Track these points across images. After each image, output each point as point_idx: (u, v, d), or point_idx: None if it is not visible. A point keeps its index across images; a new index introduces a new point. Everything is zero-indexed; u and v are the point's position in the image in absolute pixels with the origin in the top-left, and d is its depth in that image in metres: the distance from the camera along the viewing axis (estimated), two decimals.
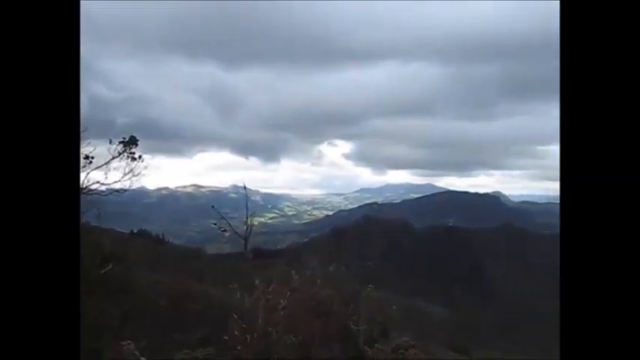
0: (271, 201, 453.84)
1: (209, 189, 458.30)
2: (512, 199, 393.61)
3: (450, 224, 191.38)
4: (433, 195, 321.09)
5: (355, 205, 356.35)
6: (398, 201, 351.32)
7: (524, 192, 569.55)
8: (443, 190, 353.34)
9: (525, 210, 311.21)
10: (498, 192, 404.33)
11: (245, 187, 11.28)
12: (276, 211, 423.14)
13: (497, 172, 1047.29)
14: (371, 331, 13.62)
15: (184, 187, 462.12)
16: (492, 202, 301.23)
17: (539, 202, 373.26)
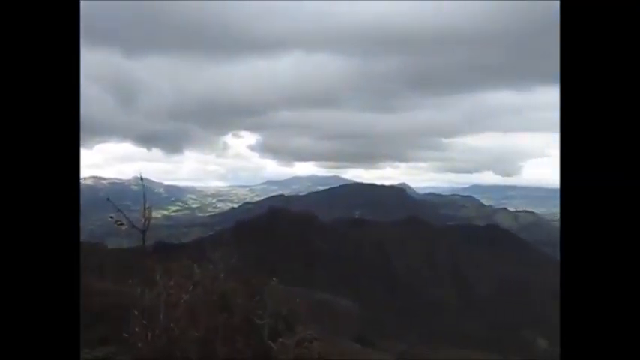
0: (175, 193, 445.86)
1: (110, 181, 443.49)
2: (417, 191, 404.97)
3: (357, 216, 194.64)
4: (340, 187, 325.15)
5: (261, 198, 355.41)
6: (304, 193, 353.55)
7: (430, 184, 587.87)
8: (349, 183, 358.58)
9: (431, 202, 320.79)
10: (404, 184, 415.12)
11: (142, 179, 11.09)
12: (180, 204, 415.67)
13: (403, 165, 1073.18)
14: (275, 325, 13.71)
15: (84, 179, 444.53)
16: (398, 194, 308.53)
17: (443, 194, 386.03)
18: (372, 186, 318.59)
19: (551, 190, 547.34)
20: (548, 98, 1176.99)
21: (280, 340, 13.44)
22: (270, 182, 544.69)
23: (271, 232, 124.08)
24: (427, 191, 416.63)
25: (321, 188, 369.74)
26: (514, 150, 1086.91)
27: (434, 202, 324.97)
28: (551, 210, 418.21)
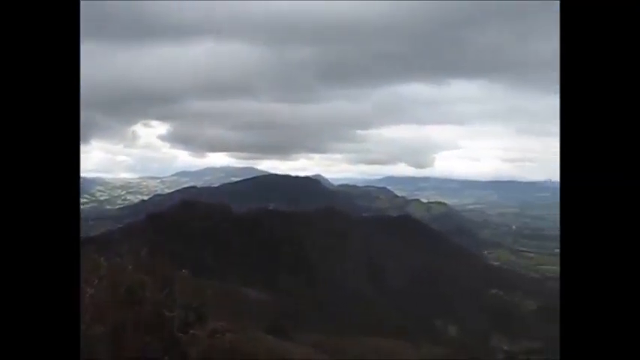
0: (81, 185, 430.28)
1: None
2: (332, 182, 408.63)
3: (271, 208, 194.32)
4: (254, 178, 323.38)
5: (172, 190, 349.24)
6: (217, 185, 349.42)
7: (344, 175, 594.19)
8: (264, 174, 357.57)
9: (345, 193, 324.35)
10: (319, 175, 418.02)
11: None
12: (87, 196, 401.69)
13: (317, 156, 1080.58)
14: (186, 317, 13.61)
15: None
16: (313, 185, 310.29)
17: (358, 185, 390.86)
18: (287, 177, 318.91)
19: (461, 182, 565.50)
20: (460, 91, 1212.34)
21: (191, 332, 13.37)
22: (181, 173, 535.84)
23: (183, 224, 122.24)
24: (342, 182, 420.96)
25: (234, 179, 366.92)
26: (427, 142, 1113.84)
27: (348, 193, 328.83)
28: (462, 201, 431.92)
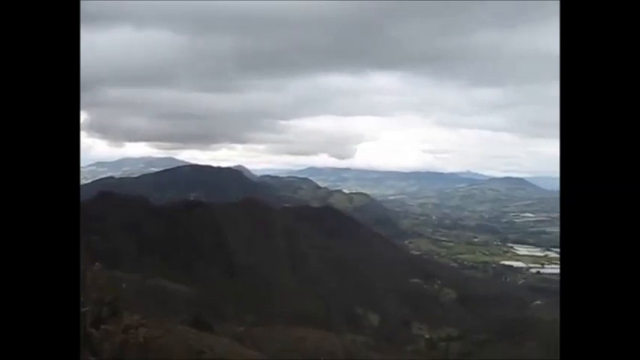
0: None
1: None
2: (254, 173, 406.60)
3: (192, 199, 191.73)
4: (174, 169, 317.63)
5: (89, 180, 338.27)
6: (137, 175, 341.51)
7: (267, 166, 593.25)
8: (184, 164, 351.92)
9: (267, 184, 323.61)
10: (241, 166, 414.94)
11: None
12: None
13: (239, 146, 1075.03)
14: (99, 312, 12.97)
15: None
16: (235, 176, 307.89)
17: (280, 176, 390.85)
18: (208, 168, 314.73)
19: (382, 172, 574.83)
20: (380, 83, 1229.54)
21: (103, 327, 12.70)
22: (99, 163, 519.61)
23: (100, 216, 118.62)
24: (264, 173, 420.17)
25: (154, 170, 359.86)
26: (348, 133, 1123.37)
27: (271, 184, 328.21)
28: (383, 192, 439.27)
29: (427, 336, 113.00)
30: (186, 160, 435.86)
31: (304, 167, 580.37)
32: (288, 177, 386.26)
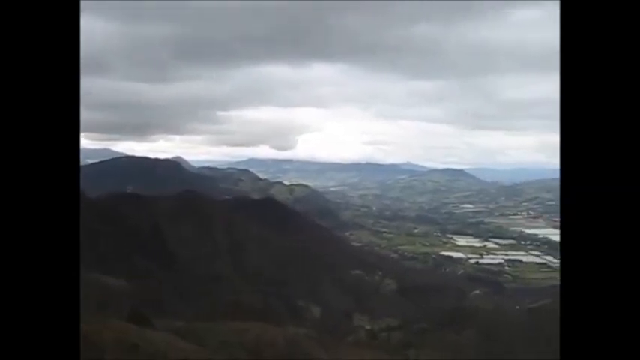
0: None
1: None
2: (193, 164, 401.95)
3: (129, 191, 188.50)
4: (110, 160, 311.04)
5: None
6: None
7: (206, 157, 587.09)
8: (121, 156, 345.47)
9: (207, 176, 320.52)
10: (179, 157, 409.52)
11: None
12: None
13: (177, 137, 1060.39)
14: None
15: None
16: (173, 168, 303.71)
17: (220, 167, 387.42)
18: (145, 159, 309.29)
19: (323, 164, 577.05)
20: (321, 74, 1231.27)
21: None
22: None
23: None
24: (203, 165, 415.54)
25: (89, 162, 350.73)
26: (289, 124, 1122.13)
27: (210, 175, 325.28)
28: (324, 183, 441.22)
29: (368, 326, 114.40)
30: (123, 152, 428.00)
31: (244, 159, 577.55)
32: (227, 169, 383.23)
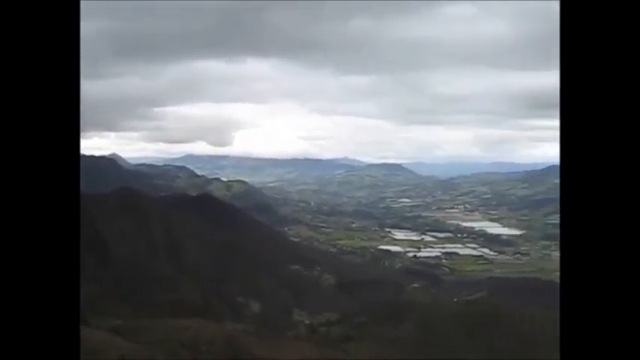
0: None
1: None
2: (129, 161, 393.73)
3: None
4: None
5: None
6: None
7: (142, 154, 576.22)
8: None
9: (143, 173, 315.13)
10: (115, 154, 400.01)
11: None
12: None
13: (112, 134, 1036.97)
14: None
15: None
16: (109, 165, 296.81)
17: (156, 164, 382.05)
18: (81, 156, 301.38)
19: (261, 160, 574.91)
20: (257, 69, 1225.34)
21: None
22: None
23: None
24: (139, 162, 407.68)
25: None
26: (226, 120, 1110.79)
27: (147, 172, 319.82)
28: (262, 179, 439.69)
29: (307, 321, 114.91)
30: None
31: (181, 155, 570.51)
32: (164, 165, 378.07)
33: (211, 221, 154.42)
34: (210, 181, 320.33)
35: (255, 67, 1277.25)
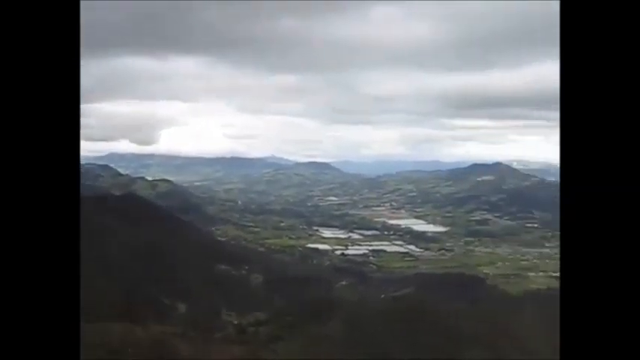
0: None
1: None
2: None
3: None
4: None
5: None
6: None
7: None
8: None
9: None
10: None
11: None
12: None
13: None
14: None
15: None
16: None
17: None
18: None
19: (187, 158, 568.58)
20: (184, 67, 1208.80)
21: None
22: None
23: None
24: None
25: None
26: (151, 118, 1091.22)
27: None
28: (188, 178, 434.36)
29: (236, 322, 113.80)
30: None
31: (104, 154, 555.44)
32: (86, 164, 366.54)
33: (136, 221, 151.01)
34: (134, 180, 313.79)
35: (182, 65, 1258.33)
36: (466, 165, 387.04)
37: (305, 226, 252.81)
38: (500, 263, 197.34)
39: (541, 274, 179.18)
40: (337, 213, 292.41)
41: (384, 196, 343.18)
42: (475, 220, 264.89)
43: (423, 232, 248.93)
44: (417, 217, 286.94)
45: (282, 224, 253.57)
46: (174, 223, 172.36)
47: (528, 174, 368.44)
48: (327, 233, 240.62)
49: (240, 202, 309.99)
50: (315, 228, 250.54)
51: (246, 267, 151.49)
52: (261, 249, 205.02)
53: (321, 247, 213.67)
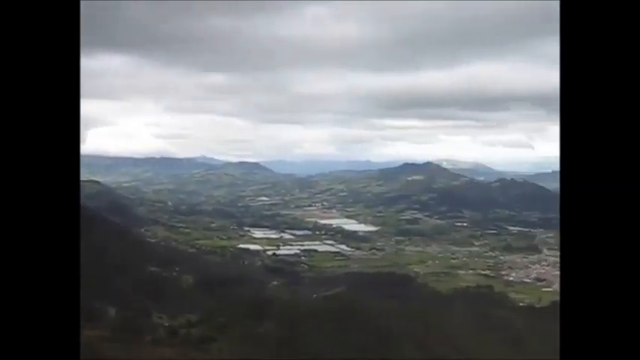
0: None
1: None
2: None
3: None
4: None
5: None
6: None
7: None
8: None
9: None
10: None
11: None
12: None
13: None
14: None
15: None
16: None
17: None
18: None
19: (115, 159, 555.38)
20: (112, 65, 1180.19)
21: None
22: None
23: None
24: None
25: None
26: None
27: None
28: (117, 178, 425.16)
29: (167, 324, 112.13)
30: None
31: None
32: None
33: None
34: None
35: (109, 63, 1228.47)
36: (397, 165, 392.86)
37: (236, 227, 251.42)
38: (430, 262, 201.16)
39: (470, 272, 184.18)
40: (268, 213, 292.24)
41: (316, 196, 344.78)
42: (406, 220, 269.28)
43: (354, 232, 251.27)
44: (348, 217, 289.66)
45: (212, 225, 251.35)
46: (102, 225, 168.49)
47: (458, 173, 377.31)
48: (258, 234, 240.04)
49: (170, 203, 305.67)
50: (247, 228, 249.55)
51: (177, 268, 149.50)
52: (192, 250, 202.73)
53: (252, 247, 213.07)
